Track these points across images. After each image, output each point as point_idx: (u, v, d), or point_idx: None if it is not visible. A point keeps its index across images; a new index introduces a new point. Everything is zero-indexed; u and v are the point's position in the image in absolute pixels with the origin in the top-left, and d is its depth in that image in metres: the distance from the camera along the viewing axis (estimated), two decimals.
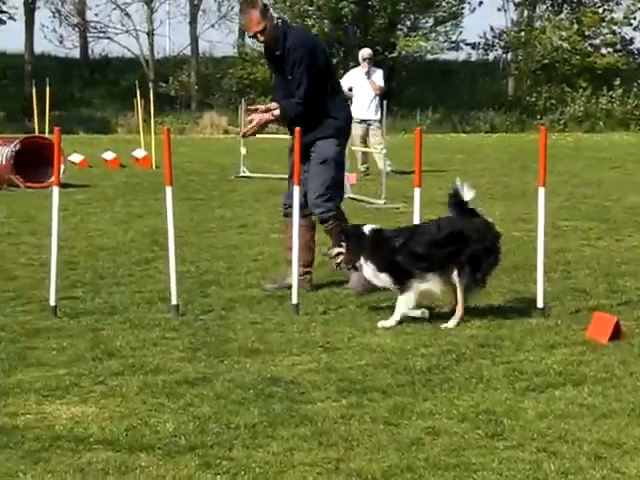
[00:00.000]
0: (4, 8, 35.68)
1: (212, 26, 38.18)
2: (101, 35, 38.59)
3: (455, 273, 6.03)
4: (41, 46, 37.90)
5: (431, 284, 6.09)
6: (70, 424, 4.20)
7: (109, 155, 18.51)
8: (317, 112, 6.93)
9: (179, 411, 4.39)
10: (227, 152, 20.37)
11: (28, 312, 6.31)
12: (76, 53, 39.63)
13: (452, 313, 6.06)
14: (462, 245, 6.06)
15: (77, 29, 39.13)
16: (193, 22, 37.63)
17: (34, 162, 14.30)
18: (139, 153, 18.62)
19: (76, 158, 17.97)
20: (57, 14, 38.42)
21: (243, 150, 16.12)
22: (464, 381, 4.84)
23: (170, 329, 5.88)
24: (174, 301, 6.26)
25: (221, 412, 4.37)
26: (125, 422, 4.22)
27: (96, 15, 38.34)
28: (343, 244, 6.37)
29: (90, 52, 39.77)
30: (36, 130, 22.05)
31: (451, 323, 5.96)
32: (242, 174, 16.20)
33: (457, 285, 6.05)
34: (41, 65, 34.78)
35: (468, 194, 6.14)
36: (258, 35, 6.96)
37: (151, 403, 4.50)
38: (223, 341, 5.62)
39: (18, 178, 14.15)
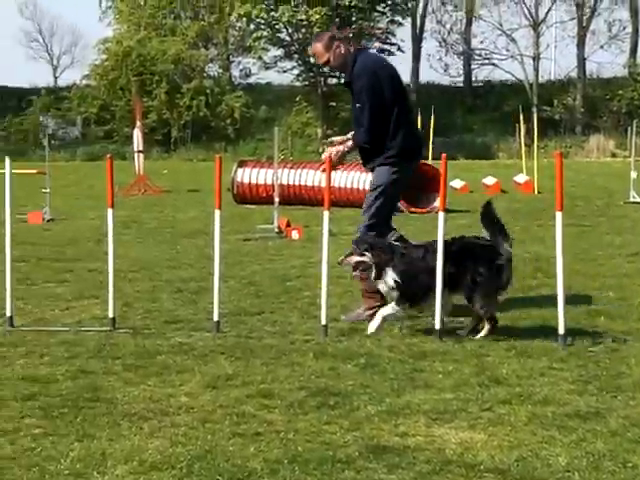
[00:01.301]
0: (393, 40, 37.52)
1: (601, 47, 37.23)
2: (485, 62, 39.22)
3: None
4: (426, 75, 39.40)
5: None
6: (459, 449, 4.17)
7: (490, 180, 18.62)
8: (379, 140, 6.92)
9: (571, 445, 4.18)
10: (615, 176, 19.62)
11: (415, 334, 6.43)
12: (459, 81, 40.54)
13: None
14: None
15: (462, 57, 40.05)
16: (581, 44, 36.88)
17: (417, 188, 14.75)
18: (521, 178, 18.52)
19: (457, 184, 18.30)
20: (443, 43, 39.70)
21: (633, 174, 15.42)
22: None
23: (557, 359, 5.67)
24: (561, 330, 6.04)
25: (616, 450, 4.10)
26: (515, 452, 4.11)
27: (481, 42, 39.01)
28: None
29: (474, 79, 40.49)
30: None
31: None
32: (632, 199, 15.46)
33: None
34: (425, 94, 35.99)
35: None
36: (325, 66, 7.34)
37: (541, 435, 4.34)
38: (615, 375, 5.31)
39: (403, 203, 14.66)
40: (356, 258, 6.51)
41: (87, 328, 6.64)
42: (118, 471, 3.95)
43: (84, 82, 41.27)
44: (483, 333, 6.34)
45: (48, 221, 14.06)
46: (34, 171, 15.43)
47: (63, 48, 49.45)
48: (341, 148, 7.13)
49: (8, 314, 6.70)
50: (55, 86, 47.02)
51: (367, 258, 6.46)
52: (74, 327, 6.67)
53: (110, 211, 6.65)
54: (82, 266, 9.50)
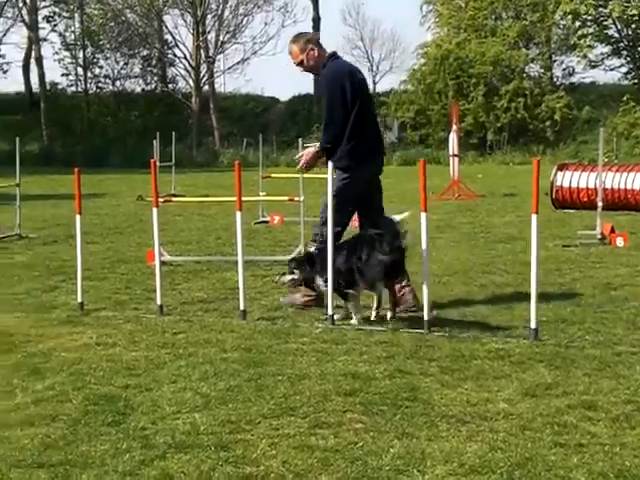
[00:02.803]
0: None
1: None
2: None
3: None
4: None
5: None
6: None
7: None
8: (338, 142, 7.19)
9: None
10: None
11: None
12: None
13: None
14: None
15: None
16: None
17: None
18: None
19: None
20: None
21: None
22: None
23: None
24: None
25: None
26: None
27: None
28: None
29: None
30: None
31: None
32: None
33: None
34: None
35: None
36: (298, 66, 7.47)
37: None
38: None
39: None
40: (289, 277, 7.25)
41: (403, 329, 6.74)
42: (438, 471, 3.96)
43: (402, 87, 42.16)
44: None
45: None
46: None
47: (383, 54, 50.75)
48: (311, 149, 7.45)
49: (329, 312, 6.97)
50: (374, 92, 48.54)
51: (297, 275, 7.20)
52: (391, 328, 6.81)
53: (423, 215, 6.69)
54: None
